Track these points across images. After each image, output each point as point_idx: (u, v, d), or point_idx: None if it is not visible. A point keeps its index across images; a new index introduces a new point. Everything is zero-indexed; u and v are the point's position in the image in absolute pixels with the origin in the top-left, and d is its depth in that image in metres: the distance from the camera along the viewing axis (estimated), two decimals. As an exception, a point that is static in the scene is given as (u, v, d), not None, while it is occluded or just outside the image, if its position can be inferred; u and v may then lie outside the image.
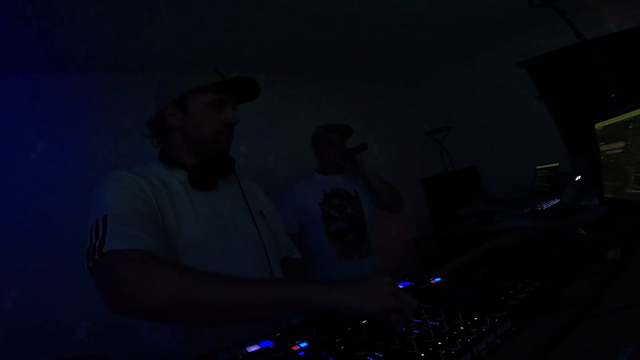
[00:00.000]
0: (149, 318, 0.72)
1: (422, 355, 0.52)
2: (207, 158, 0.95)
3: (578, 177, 1.88)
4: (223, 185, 0.99)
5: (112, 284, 0.62)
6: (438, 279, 0.90)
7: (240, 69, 2.42)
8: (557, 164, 2.38)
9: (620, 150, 1.17)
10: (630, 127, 1.10)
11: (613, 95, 1.43)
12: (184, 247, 0.85)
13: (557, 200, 1.98)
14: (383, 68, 3.06)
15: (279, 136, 2.53)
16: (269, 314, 0.66)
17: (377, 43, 2.54)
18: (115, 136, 2.03)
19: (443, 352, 0.51)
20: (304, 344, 0.64)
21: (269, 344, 0.68)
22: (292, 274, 1.10)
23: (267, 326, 0.81)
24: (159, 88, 0.97)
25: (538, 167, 2.54)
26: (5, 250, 1.70)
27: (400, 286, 0.90)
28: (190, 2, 1.68)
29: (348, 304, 0.58)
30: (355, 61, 2.80)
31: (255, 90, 1.00)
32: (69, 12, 1.52)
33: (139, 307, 0.60)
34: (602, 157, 1.31)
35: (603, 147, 1.29)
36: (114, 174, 0.82)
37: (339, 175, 1.87)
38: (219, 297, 0.60)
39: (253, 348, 0.67)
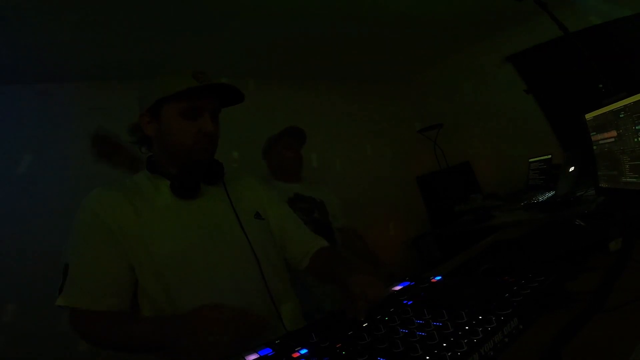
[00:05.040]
0: None
1: (427, 357, 0.50)
2: (188, 167, 0.90)
3: (572, 168, 1.89)
4: (210, 192, 0.94)
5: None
6: (438, 278, 0.88)
7: (228, 74, 2.40)
8: (550, 156, 2.39)
9: (613, 140, 1.17)
10: (621, 116, 1.10)
11: (600, 85, 1.43)
12: (166, 261, 0.83)
13: (552, 193, 1.99)
14: (372, 67, 3.07)
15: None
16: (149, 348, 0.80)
17: (365, 42, 2.54)
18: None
19: (449, 353, 0.49)
20: (304, 351, 0.62)
21: (268, 351, 0.66)
22: (328, 265, 1.02)
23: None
24: (139, 95, 0.93)
25: (531, 160, 2.55)
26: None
27: (400, 286, 0.88)
28: (174, 9, 1.66)
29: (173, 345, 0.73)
30: (344, 61, 2.80)
31: (237, 93, 0.92)
32: (49, 21, 1.50)
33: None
34: (594, 147, 1.31)
35: (595, 137, 1.29)
36: (85, 211, 0.84)
37: (299, 184, 1.82)
38: (117, 340, 0.80)
39: (252, 357, 0.65)
